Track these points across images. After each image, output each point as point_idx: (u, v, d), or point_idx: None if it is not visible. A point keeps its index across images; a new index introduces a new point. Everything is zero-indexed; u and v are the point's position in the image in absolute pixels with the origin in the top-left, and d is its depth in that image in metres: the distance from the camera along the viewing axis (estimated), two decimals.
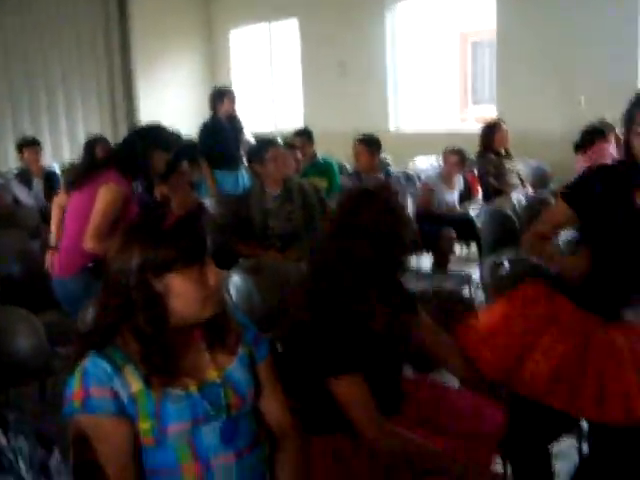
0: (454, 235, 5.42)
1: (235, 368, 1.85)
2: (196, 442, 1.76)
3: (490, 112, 8.57)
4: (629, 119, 2.39)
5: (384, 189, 2.24)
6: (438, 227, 5.35)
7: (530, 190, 6.00)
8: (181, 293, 1.71)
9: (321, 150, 6.57)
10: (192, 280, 1.71)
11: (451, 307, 2.89)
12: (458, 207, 5.86)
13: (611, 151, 5.50)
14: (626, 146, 2.36)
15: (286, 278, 3.38)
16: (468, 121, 11.19)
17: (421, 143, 8.43)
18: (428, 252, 5.53)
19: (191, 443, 1.75)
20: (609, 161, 5.48)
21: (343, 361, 2.04)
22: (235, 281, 3.37)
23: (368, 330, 2.12)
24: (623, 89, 7.17)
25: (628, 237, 2.30)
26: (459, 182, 5.98)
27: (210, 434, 1.77)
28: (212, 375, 1.80)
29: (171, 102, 10.92)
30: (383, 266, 2.13)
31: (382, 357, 2.17)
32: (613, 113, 5.90)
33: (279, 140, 5.27)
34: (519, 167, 6.23)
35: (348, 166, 6.88)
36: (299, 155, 5.82)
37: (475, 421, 2.26)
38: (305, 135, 6.38)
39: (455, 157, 5.88)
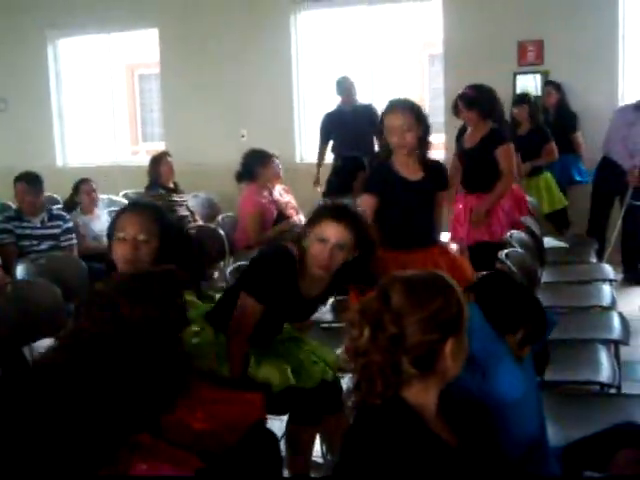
0: None
1: None
2: None
3: (160, 147, 8.69)
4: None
5: None
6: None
7: (200, 222, 6.18)
8: None
9: None
10: None
11: None
12: None
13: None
14: None
15: None
16: (140, 154, 11.22)
17: (93, 178, 8.28)
18: None
19: None
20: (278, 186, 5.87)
21: None
22: None
23: None
24: (281, 125, 7.90)
25: None
26: (103, 213, 5.95)
27: None
28: None
29: None
30: None
31: None
32: (272, 147, 6.43)
33: None
34: (188, 200, 6.39)
35: (14, 206, 6.49)
36: None
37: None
38: None
39: (85, 186, 5.87)
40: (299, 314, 2.94)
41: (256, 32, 7.94)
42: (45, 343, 2.48)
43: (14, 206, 5.65)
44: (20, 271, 4.26)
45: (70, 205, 5.92)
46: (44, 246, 5.12)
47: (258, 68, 7.97)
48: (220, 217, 6.03)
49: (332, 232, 2.62)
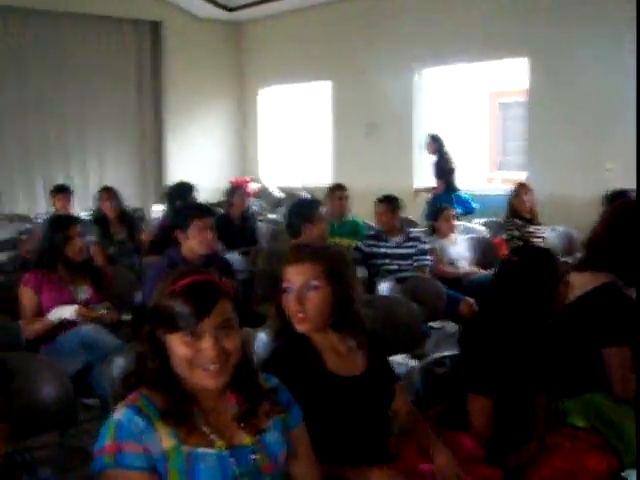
0: (473, 304, 4.76)
1: (269, 432, 1.83)
2: None
3: (519, 176, 8.55)
4: None
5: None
6: (457, 295, 4.93)
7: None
8: (174, 353, 1.72)
9: None
10: (183, 343, 1.70)
11: None
12: (468, 266, 5.75)
13: None
14: None
15: None
16: (495, 182, 11.20)
17: None
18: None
19: None
20: None
21: None
22: (262, 339, 3.06)
23: None
24: None
25: None
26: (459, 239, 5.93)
27: None
28: (245, 439, 1.78)
29: (199, 160, 11.23)
30: None
31: None
32: None
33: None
34: (545, 232, 6.17)
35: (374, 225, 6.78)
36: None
37: None
38: (343, 189, 6.16)
39: (446, 212, 5.90)
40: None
41: None
42: None
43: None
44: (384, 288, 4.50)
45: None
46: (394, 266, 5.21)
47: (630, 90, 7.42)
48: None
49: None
